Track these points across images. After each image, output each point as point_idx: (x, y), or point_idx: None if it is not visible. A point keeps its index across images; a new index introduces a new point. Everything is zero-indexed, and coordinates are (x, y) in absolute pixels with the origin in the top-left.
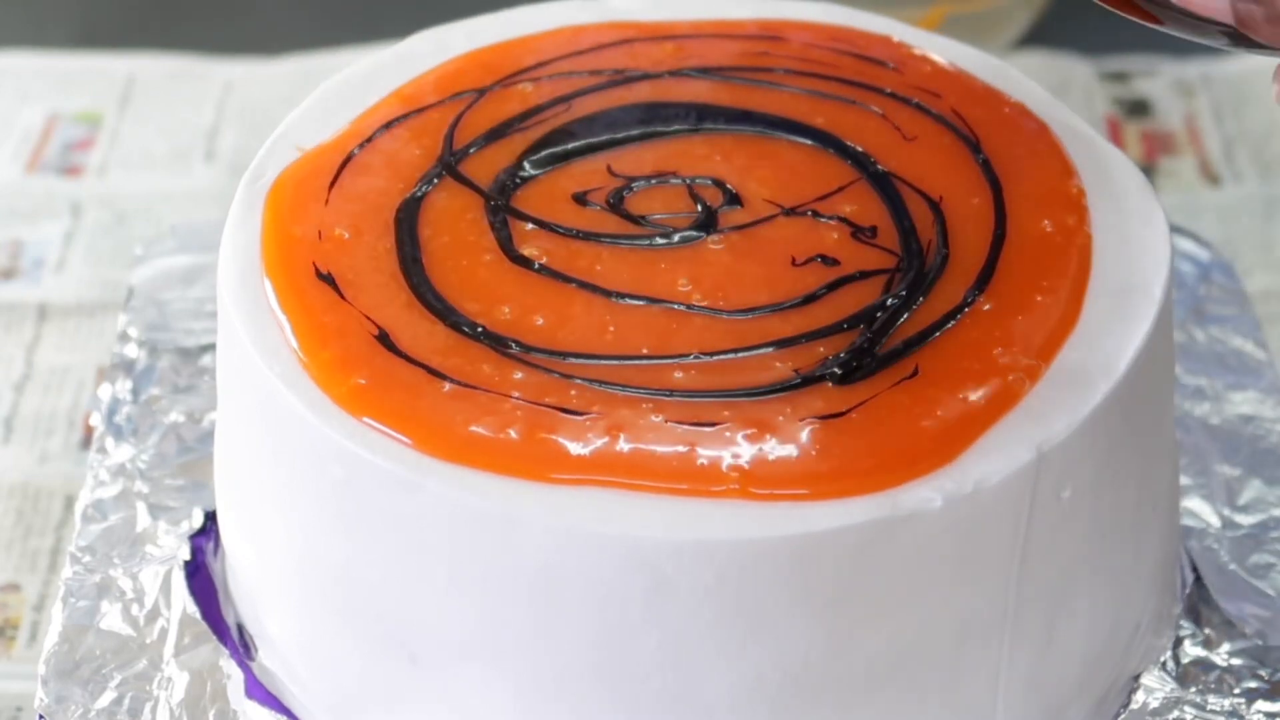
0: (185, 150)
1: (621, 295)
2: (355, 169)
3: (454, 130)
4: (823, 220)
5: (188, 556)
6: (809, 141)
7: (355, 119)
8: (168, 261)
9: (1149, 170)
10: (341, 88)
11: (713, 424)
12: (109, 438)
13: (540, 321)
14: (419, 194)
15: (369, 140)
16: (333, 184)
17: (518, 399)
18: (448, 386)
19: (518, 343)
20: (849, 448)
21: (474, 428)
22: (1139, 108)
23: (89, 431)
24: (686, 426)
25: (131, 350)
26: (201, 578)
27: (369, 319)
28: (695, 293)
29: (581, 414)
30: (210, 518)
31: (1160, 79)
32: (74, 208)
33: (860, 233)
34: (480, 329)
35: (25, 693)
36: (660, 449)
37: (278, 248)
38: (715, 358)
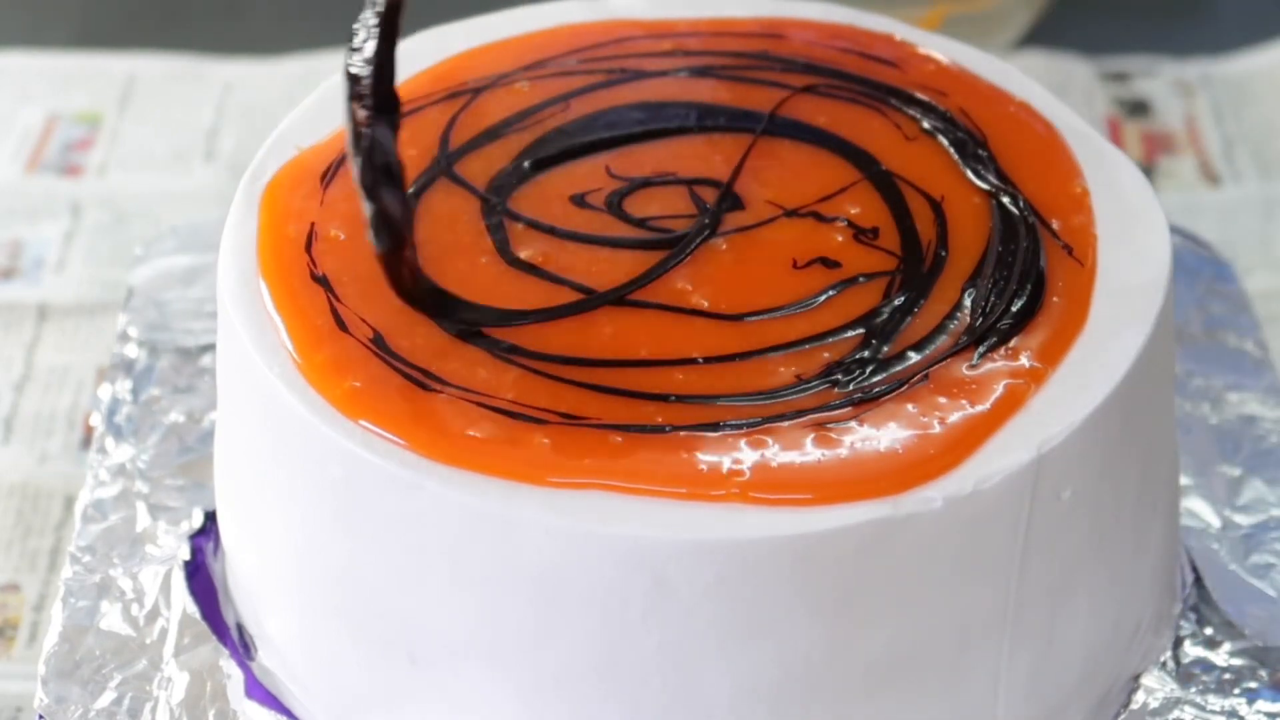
0: (185, 150)
1: (620, 298)
2: (350, 169)
3: (450, 130)
4: (825, 221)
5: (188, 556)
6: (811, 142)
7: None
8: (168, 261)
9: (1149, 170)
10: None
11: (713, 428)
12: (109, 438)
13: (537, 324)
14: (415, 195)
15: None
16: (327, 184)
17: (515, 403)
18: (444, 390)
19: (514, 346)
20: (853, 454)
21: (471, 432)
22: (1139, 108)
23: (89, 431)
24: (687, 431)
25: (131, 350)
26: (201, 578)
27: (364, 321)
28: (696, 295)
29: (580, 418)
30: (210, 518)
31: (1160, 79)
32: (74, 208)
33: (862, 234)
34: (477, 332)
35: (25, 693)
36: (659, 456)
37: (272, 249)
38: (716, 362)
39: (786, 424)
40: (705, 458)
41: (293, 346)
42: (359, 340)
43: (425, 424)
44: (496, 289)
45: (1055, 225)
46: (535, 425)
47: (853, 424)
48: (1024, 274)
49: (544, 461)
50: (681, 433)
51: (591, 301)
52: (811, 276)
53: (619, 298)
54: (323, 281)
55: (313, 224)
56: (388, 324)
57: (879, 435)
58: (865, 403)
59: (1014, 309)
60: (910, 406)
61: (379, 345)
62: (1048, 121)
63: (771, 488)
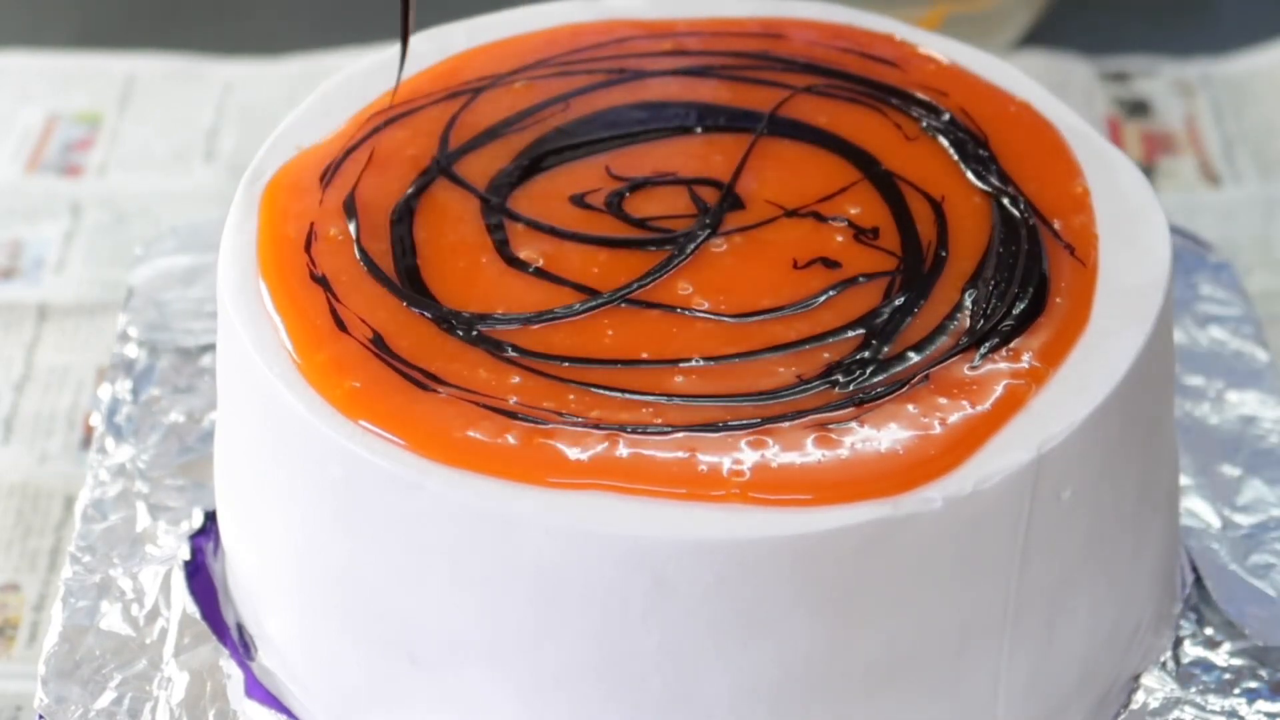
0: (185, 150)
1: (621, 299)
2: (349, 169)
3: (450, 130)
4: (825, 222)
5: (188, 556)
6: (811, 142)
7: (350, 118)
8: (168, 261)
9: (1149, 170)
10: (341, 88)
11: (714, 429)
12: (109, 438)
13: (537, 325)
14: (414, 195)
15: (364, 140)
16: (327, 184)
17: (515, 403)
18: (444, 391)
19: (514, 346)
20: (853, 455)
21: (471, 433)
22: (1139, 108)
23: (89, 431)
24: (687, 432)
25: (131, 350)
26: (201, 578)
27: (363, 321)
28: (696, 296)
29: (580, 419)
30: (210, 518)
31: (1160, 79)
32: (74, 208)
33: (862, 234)
34: (476, 333)
35: (25, 693)
36: (660, 455)
37: (272, 249)
38: (717, 362)
39: (787, 425)
40: (705, 458)
41: (292, 347)
42: (358, 340)
43: (425, 424)
44: (497, 289)
45: (1056, 225)
46: (535, 426)
47: (853, 425)
48: (1026, 275)
49: (544, 462)
50: (681, 434)
51: (592, 304)
52: (812, 277)
53: (621, 299)
54: (322, 281)
55: (312, 224)
56: (387, 324)
57: (879, 436)
58: (866, 403)
59: (1016, 310)
60: (911, 407)
61: (378, 345)
62: (1049, 122)
63: (772, 488)
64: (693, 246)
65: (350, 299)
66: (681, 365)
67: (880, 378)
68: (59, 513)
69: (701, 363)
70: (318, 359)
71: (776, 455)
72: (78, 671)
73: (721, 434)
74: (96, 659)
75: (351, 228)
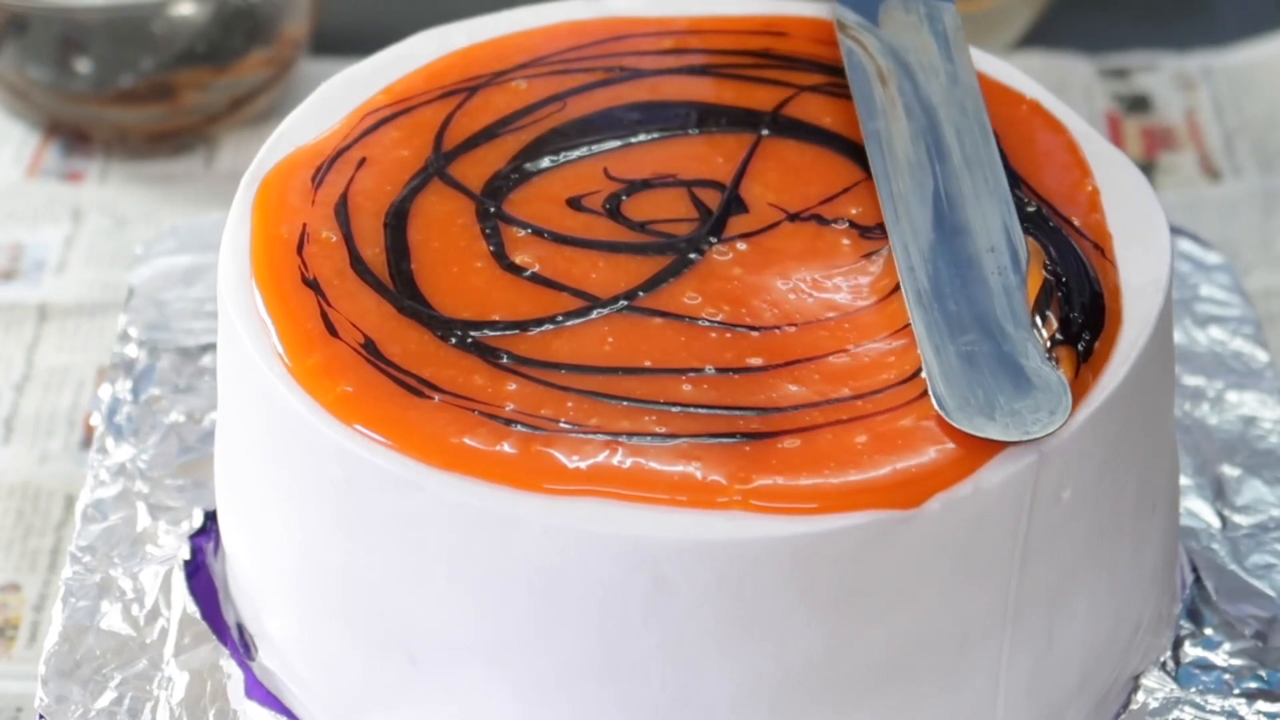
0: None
1: (620, 305)
2: (342, 169)
3: (445, 130)
4: (829, 225)
5: (188, 556)
6: (815, 142)
7: (344, 117)
8: (168, 261)
9: (1149, 167)
10: (341, 88)
11: (718, 439)
12: (109, 438)
13: (534, 332)
14: (408, 197)
15: (357, 140)
16: (319, 185)
17: (512, 410)
18: (438, 398)
19: (510, 353)
20: (862, 467)
21: (467, 440)
22: (1139, 103)
23: (89, 431)
24: (689, 440)
25: (131, 350)
26: (201, 578)
27: (354, 326)
28: (701, 303)
29: (580, 426)
30: (210, 518)
31: (1160, 73)
32: (74, 212)
33: (868, 233)
34: (471, 339)
35: (25, 693)
36: (661, 463)
37: (265, 250)
38: (723, 373)
39: (795, 436)
40: (708, 467)
41: (283, 350)
42: (350, 345)
43: (419, 430)
44: (492, 294)
45: (1076, 224)
46: (532, 433)
47: (864, 437)
48: (1078, 281)
49: (541, 470)
50: (684, 441)
51: (593, 308)
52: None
53: (625, 306)
54: (313, 285)
55: (304, 225)
56: (379, 329)
57: (891, 448)
58: (876, 415)
59: (1074, 320)
60: (925, 422)
61: (370, 351)
62: (1059, 121)
63: (776, 497)
64: (696, 252)
65: (342, 303)
66: (686, 374)
67: (893, 389)
68: (59, 513)
69: (708, 372)
70: (309, 363)
71: (783, 466)
72: (78, 671)
73: (725, 443)
74: (97, 659)
75: (343, 230)
